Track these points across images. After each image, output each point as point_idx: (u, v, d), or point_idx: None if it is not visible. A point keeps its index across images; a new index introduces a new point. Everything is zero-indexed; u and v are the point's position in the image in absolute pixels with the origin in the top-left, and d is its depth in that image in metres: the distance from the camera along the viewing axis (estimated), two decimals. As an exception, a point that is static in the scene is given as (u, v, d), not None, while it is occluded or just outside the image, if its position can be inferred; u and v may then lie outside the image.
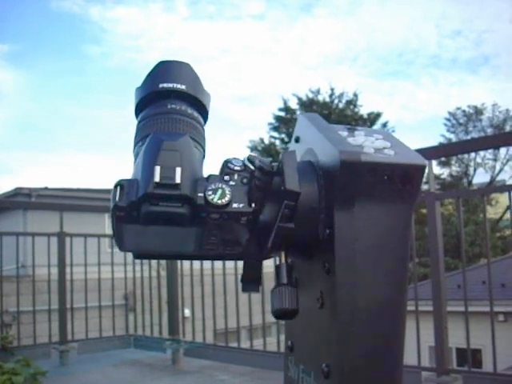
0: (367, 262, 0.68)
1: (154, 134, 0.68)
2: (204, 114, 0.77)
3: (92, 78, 38.97)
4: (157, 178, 0.64)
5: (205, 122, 0.78)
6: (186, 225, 0.66)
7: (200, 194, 0.65)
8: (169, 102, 0.73)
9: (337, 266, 0.68)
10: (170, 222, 0.66)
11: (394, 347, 0.71)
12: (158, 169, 0.64)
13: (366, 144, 0.71)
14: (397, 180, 0.67)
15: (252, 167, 0.68)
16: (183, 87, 0.74)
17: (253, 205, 0.66)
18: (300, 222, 0.67)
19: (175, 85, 0.74)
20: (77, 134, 41.62)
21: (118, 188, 0.65)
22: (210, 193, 0.65)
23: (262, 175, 0.67)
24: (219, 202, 0.64)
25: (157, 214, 0.65)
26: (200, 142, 0.73)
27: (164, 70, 0.76)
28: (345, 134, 0.73)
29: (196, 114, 0.75)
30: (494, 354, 3.10)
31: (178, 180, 0.64)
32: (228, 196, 0.65)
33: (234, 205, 0.65)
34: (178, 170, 0.65)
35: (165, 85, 0.74)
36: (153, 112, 0.73)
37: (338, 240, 0.68)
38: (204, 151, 0.74)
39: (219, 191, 0.65)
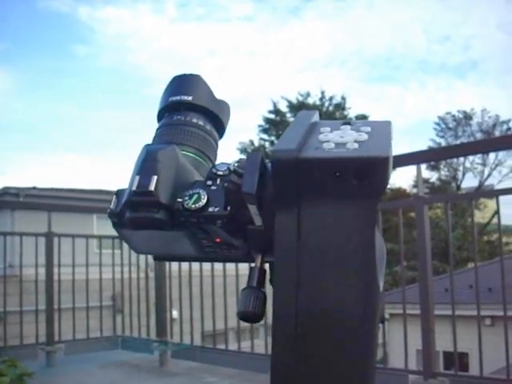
0: (314, 265, 0.63)
1: (144, 146, 0.73)
2: (217, 122, 0.80)
3: (80, 79, 38.83)
4: (134, 187, 0.68)
5: (219, 129, 0.81)
6: (167, 229, 0.69)
7: (179, 200, 0.68)
8: (176, 114, 0.78)
9: (275, 270, 0.65)
10: (151, 226, 0.69)
11: (345, 365, 0.64)
12: (137, 178, 0.69)
13: (335, 139, 0.66)
14: (350, 176, 0.62)
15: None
16: (189, 98, 0.77)
17: (228, 208, 0.68)
18: (268, 223, 0.66)
19: (182, 97, 0.77)
20: (65, 134, 41.48)
21: (115, 196, 0.71)
22: (186, 198, 0.68)
23: (237, 178, 0.68)
24: (193, 206, 0.68)
25: (136, 219, 0.69)
26: (202, 150, 0.77)
27: (175, 83, 0.80)
28: (327, 129, 0.69)
29: (202, 123, 0.78)
30: (480, 358, 3.11)
31: (151, 188, 0.67)
32: (203, 200, 0.68)
33: (210, 208, 0.68)
34: (154, 178, 0.68)
35: (173, 98, 0.78)
36: (160, 124, 0.79)
37: (277, 242, 0.64)
38: (206, 157, 0.77)
39: (195, 196, 0.69)
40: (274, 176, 0.63)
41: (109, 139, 42.25)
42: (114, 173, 40.64)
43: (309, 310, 0.63)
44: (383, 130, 0.68)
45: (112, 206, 0.71)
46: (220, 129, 0.81)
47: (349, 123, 0.71)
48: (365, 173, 0.61)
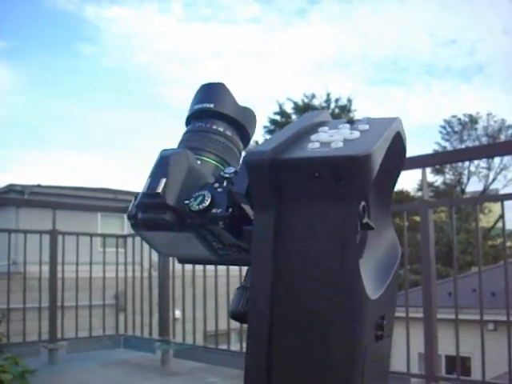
0: (290, 268, 0.61)
1: (160, 150, 0.75)
2: (240, 129, 0.83)
3: (85, 77, 38.86)
4: (144, 189, 0.71)
5: (244, 136, 0.84)
6: (176, 231, 0.71)
7: (186, 202, 0.71)
8: (199, 121, 0.81)
9: (251, 272, 0.64)
10: (160, 228, 0.71)
11: (320, 369, 0.62)
12: (148, 181, 0.71)
13: (323, 139, 0.65)
14: (328, 176, 0.60)
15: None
16: (211, 106, 0.80)
17: (230, 210, 0.69)
18: None
19: (205, 105, 0.80)
20: (69, 132, 41.53)
21: (133, 199, 0.75)
22: (191, 200, 0.71)
23: None
24: (197, 207, 0.70)
25: (145, 220, 0.72)
26: (223, 156, 0.79)
27: (200, 92, 0.83)
28: (325, 129, 0.68)
29: (223, 130, 0.80)
30: (482, 363, 3.11)
31: (159, 190, 0.70)
32: (206, 202, 0.70)
33: (213, 210, 0.70)
34: (163, 181, 0.71)
35: (197, 106, 0.81)
36: (185, 131, 0.82)
37: (253, 244, 0.64)
38: (227, 163, 0.79)
39: (199, 198, 0.71)
40: (249, 178, 0.64)
41: (112, 138, 42.30)
42: (118, 172, 40.73)
43: (284, 312, 0.62)
44: (382, 127, 0.67)
45: (130, 208, 0.74)
46: (245, 136, 0.84)
47: (352, 122, 0.70)
48: (341, 173, 0.60)
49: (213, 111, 0.80)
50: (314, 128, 0.69)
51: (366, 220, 0.63)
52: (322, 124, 0.71)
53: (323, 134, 0.66)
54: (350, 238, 0.61)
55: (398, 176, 0.73)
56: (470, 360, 9.12)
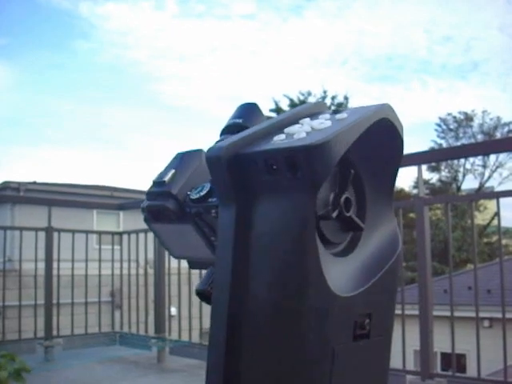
0: (249, 260, 0.62)
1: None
2: None
3: (80, 74, 38.74)
4: (154, 178, 0.77)
5: None
6: (176, 221, 0.75)
7: (188, 193, 0.76)
8: (227, 134, 0.85)
9: (215, 264, 0.65)
10: (162, 216, 0.76)
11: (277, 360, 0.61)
12: (160, 171, 0.78)
13: (292, 130, 0.64)
14: (284, 168, 0.60)
15: None
16: (240, 121, 0.84)
17: None
18: None
19: (235, 120, 0.85)
20: (65, 129, 41.37)
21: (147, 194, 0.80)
22: (192, 190, 0.76)
23: None
24: (195, 196, 0.75)
25: (150, 207, 0.77)
26: None
27: (235, 110, 0.88)
28: (306, 120, 0.68)
29: None
30: (478, 360, 3.12)
31: (166, 179, 0.76)
32: (204, 191, 0.75)
33: (210, 199, 0.74)
34: (171, 172, 0.76)
35: (228, 121, 0.86)
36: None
37: (218, 237, 0.65)
38: None
39: (198, 188, 0.76)
40: (210, 173, 0.65)
41: (109, 135, 42.20)
42: (114, 169, 40.64)
43: (243, 305, 0.62)
44: (358, 115, 0.66)
45: (144, 201, 0.79)
46: None
47: (336, 111, 0.70)
48: (296, 164, 0.60)
49: (240, 125, 0.84)
50: (295, 120, 0.69)
51: (343, 213, 0.63)
52: (308, 115, 0.71)
53: (296, 126, 0.66)
54: (308, 231, 0.60)
55: (396, 165, 0.72)
56: (465, 357, 9.14)
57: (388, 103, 0.69)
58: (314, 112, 0.72)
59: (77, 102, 39.14)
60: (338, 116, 0.67)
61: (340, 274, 0.63)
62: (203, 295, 0.73)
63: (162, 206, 0.75)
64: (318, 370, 0.61)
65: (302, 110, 0.72)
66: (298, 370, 0.61)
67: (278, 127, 0.67)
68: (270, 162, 0.61)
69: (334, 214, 0.63)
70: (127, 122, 40.13)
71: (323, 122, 0.65)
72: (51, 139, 40.23)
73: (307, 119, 0.68)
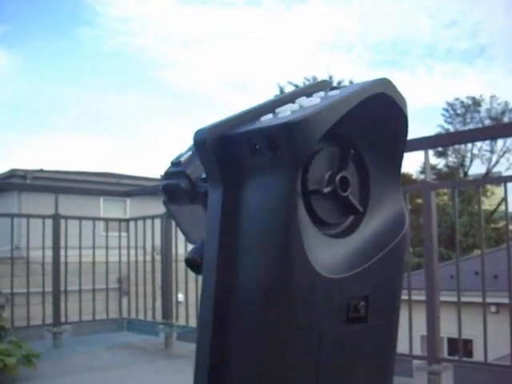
0: (235, 240, 0.62)
1: None
2: None
3: (86, 61, 38.71)
4: (172, 159, 0.79)
5: None
6: (188, 202, 0.77)
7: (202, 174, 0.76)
8: None
9: (205, 242, 0.66)
10: (176, 196, 0.78)
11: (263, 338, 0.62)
12: (179, 152, 0.79)
13: (282, 109, 0.64)
14: (265, 148, 0.60)
15: None
16: None
17: None
18: None
19: None
20: (71, 116, 41.43)
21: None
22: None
23: None
24: (204, 176, 0.74)
25: (166, 186, 0.79)
26: None
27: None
28: (302, 99, 0.67)
29: None
30: (485, 345, 3.12)
31: (182, 159, 0.77)
32: None
33: None
34: (188, 153, 0.77)
35: None
36: None
37: (208, 218, 0.64)
38: None
39: None
40: (198, 155, 0.66)
41: (114, 122, 42.23)
42: (120, 155, 40.68)
43: (230, 282, 0.62)
44: (348, 91, 0.64)
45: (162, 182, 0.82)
46: None
47: (333, 88, 0.69)
48: (275, 143, 0.59)
49: None
50: (292, 99, 0.68)
51: (332, 188, 0.62)
52: (306, 94, 0.69)
53: (287, 105, 0.65)
54: (290, 210, 0.60)
55: (401, 142, 0.70)
56: (471, 342, 9.15)
57: (386, 77, 0.66)
58: (314, 90, 0.71)
59: (82, 89, 39.17)
60: (331, 93, 0.66)
61: (333, 255, 0.63)
62: (191, 263, 0.74)
63: (176, 185, 0.76)
64: (304, 351, 0.61)
65: (302, 88, 0.71)
66: (283, 349, 0.61)
67: (272, 107, 0.66)
68: (253, 142, 0.61)
69: (326, 190, 0.62)
70: (133, 109, 40.16)
71: (313, 99, 0.64)
72: (57, 126, 40.32)
73: (303, 98, 0.67)
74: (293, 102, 0.66)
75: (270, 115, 0.64)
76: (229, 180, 0.63)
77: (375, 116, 0.65)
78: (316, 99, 0.64)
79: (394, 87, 0.67)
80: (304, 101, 0.65)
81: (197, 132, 0.64)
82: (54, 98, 37.82)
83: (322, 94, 0.67)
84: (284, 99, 0.68)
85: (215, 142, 0.62)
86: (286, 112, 0.62)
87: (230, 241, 0.62)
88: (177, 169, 0.78)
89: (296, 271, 0.59)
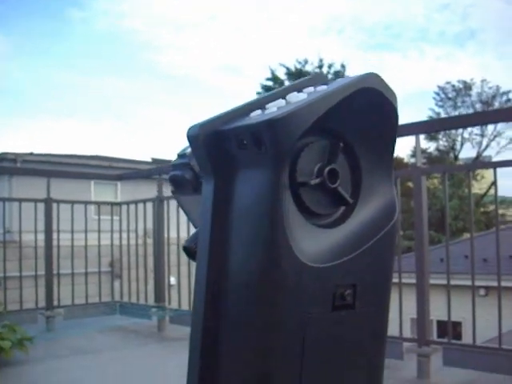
0: (224, 231, 0.65)
1: None
2: None
3: (75, 43, 38.39)
4: (179, 151, 0.83)
5: None
6: (191, 191, 0.80)
7: None
8: None
9: (198, 232, 0.69)
10: (182, 186, 0.81)
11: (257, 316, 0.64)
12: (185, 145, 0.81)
13: (271, 105, 0.66)
14: (251, 144, 0.63)
15: None
16: None
17: None
18: None
19: None
20: (60, 99, 41.14)
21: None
22: None
23: None
24: None
25: (172, 177, 0.83)
26: None
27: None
28: (292, 94, 0.69)
29: None
30: (473, 327, 3.17)
31: (187, 151, 0.80)
32: None
33: None
34: None
35: None
36: None
37: (201, 210, 0.68)
38: None
39: None
40: (192, 151, 0.70)
41: (105, 105, 41.97)
42: (112, 139, 40.50)
43: (221, 270, 0.65)
44: (334, 87, 0.66)
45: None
46: None
47: (325, 83, 0.70)
48: (259, 139, 0.62)
49: None
50: (284, 94, 0.70)
51: (317, 180, 0.64)
52: (298, 89, 0.71)
53: (276, 101, 0.68)
54: (275, 202, 0.62)
55: (391, 134, 0.71)
56: (460, 325, 9.25)
57: (374, 72, 0.68)
58: (306, 85, 0.72)
59: (73, 71, 38.88)
60: (319, 88, 0.67)
61: (321, 244, 0.65)
62: (188, 251, 0.77)
63: (181, 176, 0.80)
64: (290, 336, 0.63)
65: (295, 83, 0.73)
66: (270, 333, 0.63)
67: (263, 103, 0.69)
68: (241, 138, 0.64)
69: (313, 182, 0.64)
70: (125, 92, 39.91)
71: (301, 95, 0.66)
72: (47, 109, 40.05)
73: (294, 93, 0.69)
74: (283, 98, 0.68)
75: (259, 111, 0.66)
76: (220, 173, 0.66)
77: (365, 110, 0.67)
78: (304, 95, 0.66)
79: (382, 81, 0.68)
80: (293, 96, 0.67)
81: (190, 128, 0.67)
82: (43, 79, 37.61)
83: (311, 89, 0.69)
84: (276, 94, 0.70)
85: (207, 138, 0.65)
86: (272, 108, 0.65)
87: (221, 230, 0.65)
88: (182, 161, 0.81)
89: (280, 261, 0.62)
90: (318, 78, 0.74)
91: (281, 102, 0.67)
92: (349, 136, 0.68)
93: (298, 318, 0.63)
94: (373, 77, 0.67)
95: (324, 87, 0.67)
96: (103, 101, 40.81)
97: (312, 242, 0.64)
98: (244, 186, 0.65)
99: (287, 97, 0.68)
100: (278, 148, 0.61)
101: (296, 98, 0.66)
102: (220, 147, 0.65)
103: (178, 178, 0.81)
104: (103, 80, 39.06)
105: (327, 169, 0.65)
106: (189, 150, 0.79)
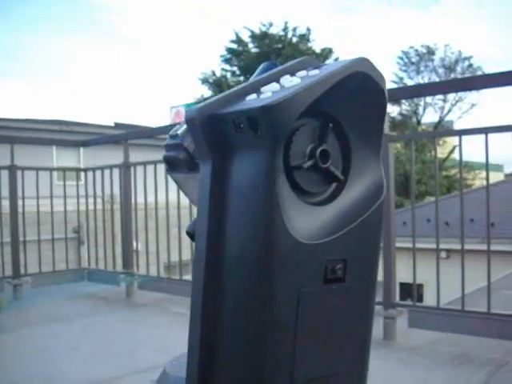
0: (221, 212, 0.68)
1: None
2: None
3: (29, 5, 37.18)
4: (171, 132, 0.83)
5: None
6: (188, 170, 0.81)
7: None
8: None
9: (197, 213, 0.72)
10: (176, 166, 0.82)
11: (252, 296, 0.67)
12: (178, 126, 0.82)
13: (266, 89, 0.69)
14: (247, 127, 0.66)
15: None
16: None
17: None
18: None
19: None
20: (14, 61, 40.00)
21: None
22: None
23: None
24: None
25: (166, 157, 0.83)
26: None
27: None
28: (285, 77, 0.71)
29: None
30: (437, 290, 3.26)
31: (179, 132, 0.81)
32: None
33: None
34: (184, 126, 0.79)
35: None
36: None
37: (199, 191, 0.71)
38: None
39: None
40: (189, 133, 0.73)
41: (60, 68, 41.00)
42: (71, 103, 39.66)
43: (219, 248, 0.68)
44: (327, 71, 0.69)
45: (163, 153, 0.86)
46: None
47: (317, 67, 0.73)
48: (255, 123, 0.65)
49: None
50: (277, 78, 0.72)
51: (309, 163, 0.67)
52: (290, 72, 0.73)
53: (270, 85, 0.70)
54: (270, 183, 0.65)
55: (380, 115, 0.75)
56: (422, 287, 9.50)
57: (365, 57, 0.71)
58: (298, 68, 0.75)
59: (31, 34, 37.72)
60: (311, 72, 0.70)
61: (313, 221, 0.68)
62: (191, 235, 0.79)
63: (175, 156, 0.81)
64: (285, 309, 0.67)
65: (287, 66, 0.75)
66: (266, 307, 0.67)
67: (257, 86, 0.71)
68: (238, 122, 0.66)
69: (306, 165, 0.67)
70: (80, 54, 38.97)
71: (294, 79, 0.69)
72: (5, 72, 38.87)
73: (287, 76, 0.72)
74: (277, 81, 0.71)
75: (255, 95, 0.68)
76: (217, 156, 0.68)
77: (355, 92, 0.70)
78: (297, 79, 0.68)
79: (372, 65, 0.71)
80: (286, 80, 0.69)
81: (187, 111, 0.68)
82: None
83: (303, 73, 0.71)
84: (269, 77, 0.72)
85: (204, 121, 0.67)
86: (267, 93, 0.67)
87: (218, 210, 0.68)
88: (175, 141, 0.81)
89: (274, 238, 0.65)
90: (309, 61, 0.76)
91: (275, 85, 0.69)
92: (340, 118, 0.71)
93: (292, 292, 0.67)
94: (363, 61, 0.71)
95: (316, 71, 0.69)
96: (57, 63, 39.83)
97: (305, 220, 0.67)
98: (240, 167, 0.67)
99: (281, 80, 0.70)
100: (273, 132, 0.64)
101: (290, 82, 0.68)
102: (217, 130, 0.68)
103: (172, 158, 0.82)
104: (57, 42, 38.02)
105: (319, 150, 0.68)
106: (180, 130, 0.80)
